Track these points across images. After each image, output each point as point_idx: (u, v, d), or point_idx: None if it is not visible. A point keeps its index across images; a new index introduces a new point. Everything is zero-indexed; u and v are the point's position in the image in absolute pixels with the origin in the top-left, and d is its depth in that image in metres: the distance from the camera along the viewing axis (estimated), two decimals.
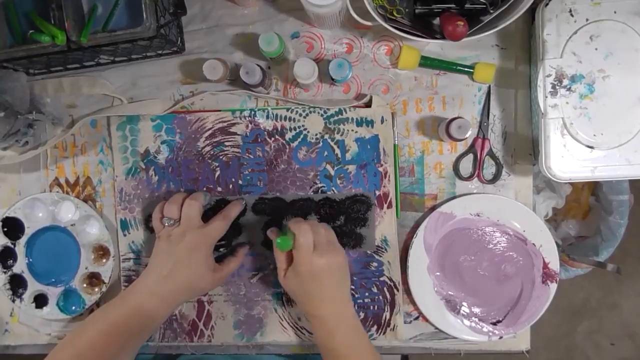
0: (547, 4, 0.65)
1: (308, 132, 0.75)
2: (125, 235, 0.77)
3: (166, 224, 0.69)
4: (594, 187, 1.09)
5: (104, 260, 0.78)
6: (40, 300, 0.79)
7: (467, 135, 0.68)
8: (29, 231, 0.78)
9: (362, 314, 0.75)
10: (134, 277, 0.77)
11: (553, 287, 0.74)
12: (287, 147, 0.75)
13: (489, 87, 0.74)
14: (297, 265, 0.64)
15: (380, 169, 0.74)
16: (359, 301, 0.75)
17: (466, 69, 0.73)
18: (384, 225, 0.74)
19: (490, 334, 0.74)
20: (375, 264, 0.75)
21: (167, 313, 0.69)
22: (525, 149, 0.74)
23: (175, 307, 0.70)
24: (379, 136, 0.74)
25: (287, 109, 0.75)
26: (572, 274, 1.07)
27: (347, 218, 0.74)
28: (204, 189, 0.76)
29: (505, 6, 0.63)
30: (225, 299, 0.77)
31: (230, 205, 0.73)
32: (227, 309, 0.77)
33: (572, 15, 0.65)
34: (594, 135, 0.65)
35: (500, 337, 0.74)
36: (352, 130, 0.74)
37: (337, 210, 0.74)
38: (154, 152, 0.76)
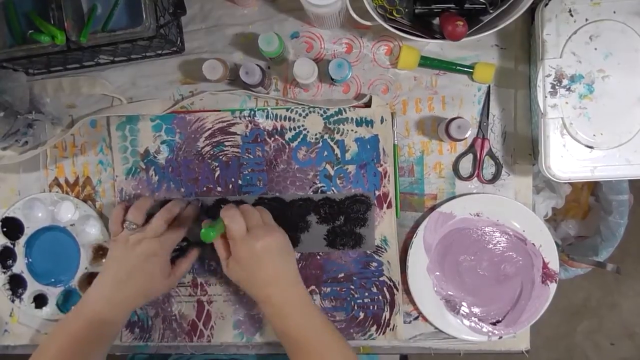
0: (546, 4, 0.65)
1: (308, 132, 0.75)
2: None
3: (126, 227, 0.69)
4: (594, 187, 1.09)
5: (104, 260, 0.78)
6: (40, 301, 0.79)
7: (466, 135, 0.68)
8: (28, 231, 0.78)
9: (362, 314, 0.75)
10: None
11: (553, 287, 0.74)
12: (287, 147, 0.75)
13: (489, 87, 0.74)
14: (235, 253, 0.64)
15: (380, 169, 0.74)
16: (358, 301, 0.75)
17: (466, 69, 0.73)
18: (384, 225, 0.74)
19: (490, 334, 0.74)
20: (374, 264, 0.75)
21: (124, 318, 0.68)
22: (524, 149, 0.74)
23: (131, 313, 0.70)
24: (379, 136, 0.74)
25: (287, 109, 0.75)
26: (571, 274, 1.07)
27: (346, 218, 0.74)
28: (204, 188, 0.76)
29: (505, 6, 0.63)
30: (225, 299, 0.77)
31: (186, 210, 0.73)
32: (227, 309, 0.77)
33: (571, 15, 0.65)
34: (594, 135, 0.65)
35: (500, 337, 0.74)
36: (352, 130, 0.74)
37: (337, 210, 0.74)
38: (154, 152, 0.76)
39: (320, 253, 0.75)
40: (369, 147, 0.74)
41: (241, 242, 0.63)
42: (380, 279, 0.75)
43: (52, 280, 0.79)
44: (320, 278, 0.75)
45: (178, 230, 0.71)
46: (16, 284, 0.79)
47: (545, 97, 0.65)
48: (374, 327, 0.75)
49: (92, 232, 0.78)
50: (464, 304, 0.75)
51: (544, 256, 0.74)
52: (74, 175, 0.79)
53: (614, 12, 0.64)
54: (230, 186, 0.76)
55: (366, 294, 0.75)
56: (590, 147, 0.65)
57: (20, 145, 0.76)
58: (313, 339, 0.64)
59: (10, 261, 0.79)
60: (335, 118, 0.74)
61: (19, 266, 0.79)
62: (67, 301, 0.79)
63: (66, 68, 0.78)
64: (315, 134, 0.75)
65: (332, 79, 0.70)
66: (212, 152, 0.76)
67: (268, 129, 0.75)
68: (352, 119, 0.74)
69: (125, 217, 0.69)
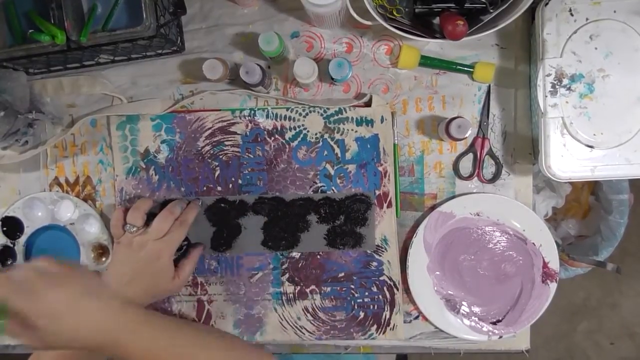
0: (547, 4, 0.65)
1: (308, 131, 0.75)
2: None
3: (127, 230, 0.69)
4: (594, 187, 1.09)
5: (104, 259, 0.78)
6: None
7: (466, 135, 0.68)
8: (28, 230, 0.78)
9: (362, 313, 0.75)
10: None
11: (553, 286, 0.74)
12: (287, 146, 0.75)
13: (489, 86, 0.74)
14: (30, 325, 0.52)
15: (380, 169, 0.74)
16: (358, 300, 0.75)
17: (466, 69, 0.73)
18: (384, 225, 0.74)
19: (490, 333, 0.74)
20: (375, 264, 0.75)
21: None
22: (525, 148, 0.74)
23: None
24: (379, 135, 0.74)
25: (287, 109, 0.75)
26: (571, 273, 1.07)
27: (346, 217, 0.74)
28: (204, 188, 0.76)
29: (505, 5, 0.63)
30: (225, 298, 0.77)
31: (187, 209, 0.73)
32: (227, 309, 0.77)
33: (572, 15, 0.65)
34: (594, 134, 0.65)
35: (500, 337, 0.74)
36: (352, 130, 0.74)
37: (337, 210, 0.74)
38: (154, 151, 0.76)
39: (321, 252, 0.75)
40: (369, 146, 0.74)
41: (29, 313, 0.52)
42: (381, 278, 0.75)
43: None
44: (321, 277, 0.75)
45: (180, 230, 0.70)
46: None
47: (546, 96, 0.65)
48: (374, 327, 0.75)
49: (92, 230, 0.78)
50: (464, 303, 0.75)
51: (544, 256, 0.74)
52: (74, 175, 0.79)
53: (615, 12, 0.64)
54: (231, 186, 0.76)
55: (366, 293, 0.75)
56: (591, 147, 0.65)
57: (20, 144, 0.76)
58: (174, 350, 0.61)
59: (10, 260, 0.79)
60: (336, 117, 0.74)
61: None
62: None
63: (66, 67, 0.78)
64: (316, 134, 0.75)
65: (333, 79, 0.70)
66: (212, 152, 0.76)
67: (268, 129, 0.75)
68: (352, 118, 0.74)
69: (126, 220, 0.69)
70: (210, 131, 0.76)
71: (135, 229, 0.69)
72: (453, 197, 0.74)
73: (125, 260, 0.68)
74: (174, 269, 0.70)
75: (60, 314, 0.53)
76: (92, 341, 0.56)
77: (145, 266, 0.67)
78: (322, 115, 0.74)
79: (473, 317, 0.75)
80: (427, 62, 0.73)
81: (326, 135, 0.74)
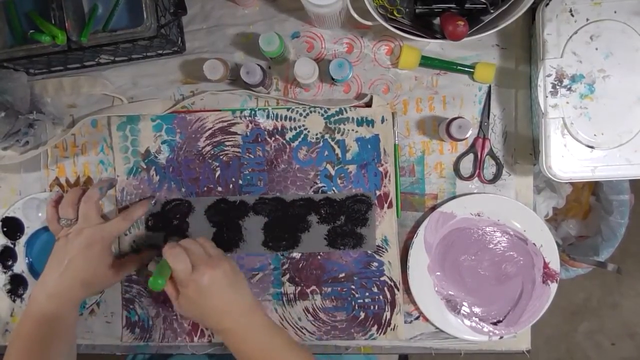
0: (547, 4, 0.65)
1: (308, 131, 0.75)
2: (126, 234, 0.77)
3: (63, 224, 0.70)
4: (595, 187, 1.09)
5: None
6: None
7: (467, 135, 0.68)
8: (28, 231, 0.78)
9: (362, 314, 0.75)
10: (135, 276, 0.77)
11: (553, 287, 0.74)
12: (288, 146, 0.75)
13: (489, 86, 0.74)
14: (183, 292, 0.64)
15: (381, 169, 0.74)
16: (359, 301, 0.75)
17: (466, 69, 0.73)
18: (385, 225, 0.74)
19: (491, 333, 0.74)
20: (375, 264, 0.75)
21: (70, 311, 0.68)
22: (525, 148, 0.74)
23: (77, 304, 0.69)
24: (380, 136, 0.74)
25: (288, 109, 0.75)
26: (572, 273, 1.07)
27: (347, 218, 0.74)
28: (205, 188, 0.76)
29: (506, 6, 0.63)
30: None
31: (137, 205, 0.74)
32: None
33: (572, 15, 0.65)
34: (594, 135, 0.65)
35: (501, 337, 0.74)
36: (353, 130, 0.74)
37: (338, 210, 0.74)
38: (155, 152, 0.76)
39: (321, 253, 0.75)
40: (369, 146, 0.74)
41: (187, 281, 0.63)
42: (381, 278, 0.75)
43: None
44: (321, 278, 0.75)
45: (121, 222, 0.71)
46: (17, 284, 0.79)
47: (546, 97, 0.65)
48: (375, 327, 0.75)
49: None
50: (464, 303, 0.75)
51: (544, 256, 0.74)
52: (74, 175, 0.79)
53: (615, 12, 0.64)
54: (231, 186, 0.76)
55: (367, 293, 0.75)
56: (591, 147, 0.65)
57: (21, 145, 0.76)
58: (272, 358, 0.64)
59: (11, 261, 0.79)
60: (336, 118, 0.74)
61: (20, 266, 0.79)
62: None
63: (67, 68, 0.78)
64: (316, 134, 0.75)
65: (333, 79, 0.70)
66: (212, 152, 0.76)
67: (269, 129, 0.75)
68: (352, 118, 0.74)
69: (59, 215, 0.70)
70: (210, 131, 0.76)
71: (69, 221, 0.69)
72: (454, 197, 0.74)
73: (61, 251, 0.68)
74: (110, 258, 0.71)
75: (209, 293, 0.63)
76: (217, 324, 0.65)
77: (80, 252, 0.67)
78: (322, 115, 0.74)
79: (474, 318, 0.75)
80: (427, 62, 0.73)
81: (327, 136, 0.74)
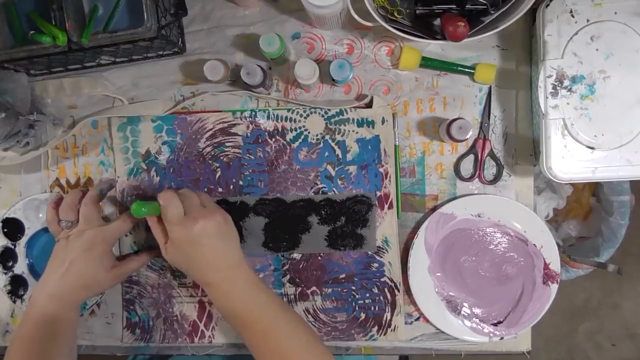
0: (548, 5, 0.65)
1: (309, 132, 0.75)
2: (126, 235, 0.77)
3: (64, 227, 0.70)
4: (595, 188, 1.09)
5: None
6: None
7: (467, 136, 0.68)
8: (29, 232, 0.78)
9: (363, 315, 0.75)
10: (135, 277, 0.77)
11: (554, 287, 0.74)
12: (288, 147, 0.75)
13: (490, 87, 0.74)
14: (172, 237, 0.63)
15: (381, 170, 0.74)
16: (359, 302, 0.75)
17: (467, 70, 0.73)
18: (385, 226, 0.74)
19: (491, 334, 0.74)
20: (376, 265, 0.75)
21: (71, 313, 0.68)
22: (526, 149, 0.74)
23: (78, 306, 0.69)
24: (380, 137, 0.74)
25: (288, 110, 0.75)
26: (573, 274, 1.07)
27: (347, 219, 0.74)
28: (205, 189, 0.76)
29: (506, 7, 0.63)
30: None
31: None
32: None
33: (572, 16, 0.65)
34: (595, 136, 0.65)
35: (501, 338, 0.74)
36: (353, 131, 0.74)
37: (338, 211, 0.74)
38: (155, 153, 0.76)
39: (321, 254, 0.75)
40: (370, 147, 0.74)
41: (178, 225, 0.62)
42: (382, 279, 0.75)
43: None
44: (321, 279, 0.75)
45: (122, 224, 0.71)
46: (17, 285, 0.79)
47: (547, 97, 0.65)
48: (375, 328, 0.75)
49: None
50: (465, 304, 0.75)
51: (545, 257, 0.74)
52: (75, 176, 0.79)
53: (615, 13, 0.64)
54: (231, 187, 0.76)
55: (367, 294, 0.75)
56: (592, 148, 0.65)
57: (21, 146, 0.76)
58: (257, 316, 0.63)
59: (11, 262, 0.79)
60: (337, 119, 0.74)
61: (20, 267, 0.79)
62: None
63: (67, 69, 0.78)
64: (317, 135, 0.75)
65: (333, 80, 0.70)
66: (213, 153, 0.76)
67: (269, 130, 0.75)
68: (353, 119, 0.74)
69: (59, 217, 0.70)
70: (211, 132, 0.76)
71: (70, 223, 0.69)
72: (454, 198, 0.74)
73: (61, 252, 0.68)
74: (111, 260, 0.70)
75: (199, 243, 0.63)
76: (202, 276, 0.65)
77: (81, 253, 0.67)
78: (323, 116, 0.74)
79: (474, 319, 0.75)
80: (428, 63, 0.73)
81: (327, 137, 0.74)
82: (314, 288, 0.76)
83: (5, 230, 0.79)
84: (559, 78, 0.65)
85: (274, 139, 0.75)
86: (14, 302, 0.79)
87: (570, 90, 0.65)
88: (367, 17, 0.65)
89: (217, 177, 0.76)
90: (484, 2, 0.63)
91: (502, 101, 0.74)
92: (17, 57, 0.68)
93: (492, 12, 0.63)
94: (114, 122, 0.77)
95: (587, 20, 0.65)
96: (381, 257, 0.75)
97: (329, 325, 0.76)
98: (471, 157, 0.74)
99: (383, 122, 0.74)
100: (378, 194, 0.74)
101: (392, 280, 0.75)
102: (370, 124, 0.74)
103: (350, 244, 0.75)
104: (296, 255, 0.76)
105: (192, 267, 0.65)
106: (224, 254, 0.65)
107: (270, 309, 0.65)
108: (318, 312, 0.76)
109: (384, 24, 0.64)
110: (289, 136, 0.75)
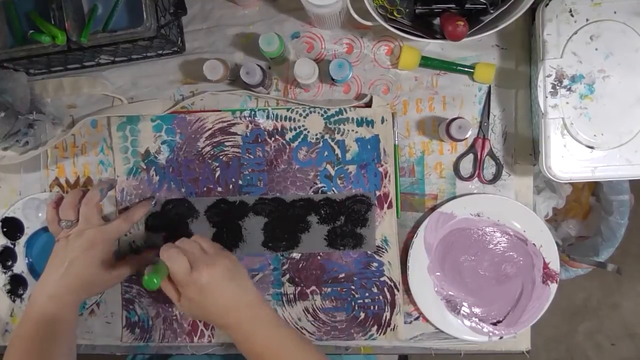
0: (547, 4, 0.65)
1: (308, 132, 0.75)
2: (126, 235, 0.77)
3: (64, 226, 0.70)
4: (595, 187, 1.09)
5: None
6: None
7: (467, 136, 0.68)
8: (28, 231, 0.78)
9: (362, 314, 0.75)
10: (135, 277, 0.77)
11: (553, 287, 0.74)
12: (287, 147, 0.75)
13: (489, 87, 0.74)
14: (184, 293, 0.63)
15: (381, 169, 0.74)
16: (359, 301, 0.75)
17: (466, 69, 0.73)
18: (384, 226, 0.74)
19: (491, 334, 0.74)
20: (375, 264, 0.75)
21: (70, 313, 0.67)
22: (525, 149, 0.74)
23: (77, 306, 0.69)
24: (379, 136, 0.74)
25: (288, 109, 0.75)
26: (572, 274, 1.07)
27: (347, 218, 0.74)
28: (204, 189, 0.76)
29: (506, 6, 0.63)
30: None
31: (137, 206, 0.74)
32: None
33: (572, 16, 0.65)
34: (594, 135, 0.65)
35: (501, 338, 0.74)
36: (353, 131, 0.74)
37: (338, 211, 0.74)
38: (155, 152, 0.76)
39: (321, 253, 0.75)
40: (369, 147, 0.74)
41: (187, 282, 0.62)
42: (381, 279, 0.75)
43: None
44: (321, 278, 0.75)
45: (122, 223, 0.71)
46: (17, 284, 0.79)
47: (546, 97, 0.65)
48: (375, 327, 0.75)
49: None
50: (464, 304, 0.75)
51: (544, 256, 0.74)
52: (74, 176, 0.79)
53: (615, 13, 0.64)
54: (231, 186, 0.76)
55: (367, 294, 0.75)
56: (591, 147, 0.65)
57: (21, 145, 0.76)
58: (279, 352, 0.63)
59: (11, 261, 0.79)
60: (336, 118, 0.74)
61: (20, 266, 0.79)
62: None
63: (67, 68, 0.78)
64: (316, 134, 0.75)
65: (333, 79, 0.70)
66: (212, 153, 0.76)
67: (268, 129, 0.75)
68: (352, 119, 0.74)
69: (59, 216, 0.70)
70: (210, 132, 0.76)
71: (70, 223, 0.69)
72: (453, 197, 0.74)
73: (61, 252, 0.68)
74: (112, 259, 0.71)
75: (210, 291, 0.62)
76: (222, 321, 0.64)
77: (81, 253, 0.67)
78: (322, 115, 0.74)
79: (473, 318, 0.75)
80: (427, 62, 0.73)
81: (326, 136, 0.74)
82: (313, 287, 0.76)
83: (5, 229, 0.79)
84: (559, 77, 0.65)
85: (273, 139, 0.75)
86: (14, 301, 0.79)
87: (569, 89, 0.65)
88: (367, 16, 0.65)
89: (216, 176, 0.76)
90: (484, 1, 0.63)
91: (502, 101, 0.74)
92: (17, 57, 0.68)
93: (492, 11, 0.63)
94: (113, 122, 0.77)
95: (587, 20, 0.65)
96: (380, 256, 0.75)
97: (329, 324, 0.76)
98: (470, 156, 0.74)
99: (382, 121, 0.74)
100: (377, 193, 0.74)
101: (391, 280, 0.75)
102: (370, 123, 0.74)
103: (350, 243, 0.75)
104: (296, 255, 0.76)
105: (210, 315, 0.64)
106: (239, 295, 0.64)
107: (294, 348, 0.64)
108: (317, 311, 0.76)
109: (383, 23, 0.64)
110: (289, 136, 0.75)
